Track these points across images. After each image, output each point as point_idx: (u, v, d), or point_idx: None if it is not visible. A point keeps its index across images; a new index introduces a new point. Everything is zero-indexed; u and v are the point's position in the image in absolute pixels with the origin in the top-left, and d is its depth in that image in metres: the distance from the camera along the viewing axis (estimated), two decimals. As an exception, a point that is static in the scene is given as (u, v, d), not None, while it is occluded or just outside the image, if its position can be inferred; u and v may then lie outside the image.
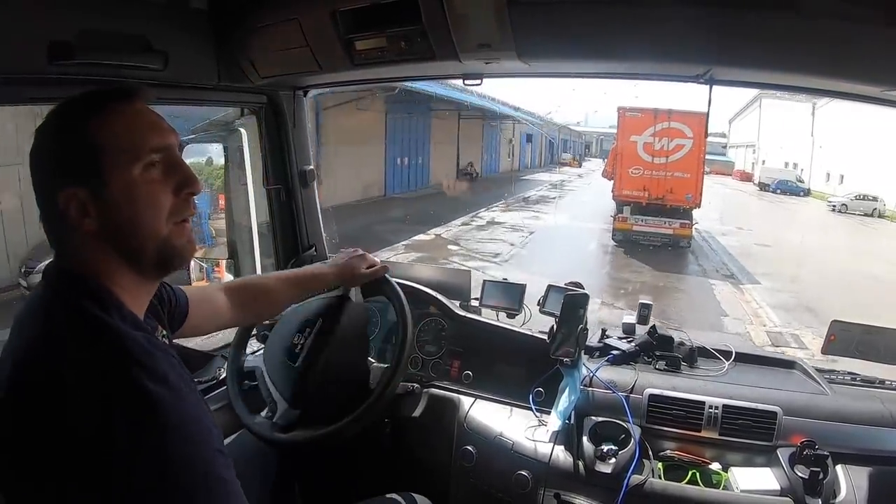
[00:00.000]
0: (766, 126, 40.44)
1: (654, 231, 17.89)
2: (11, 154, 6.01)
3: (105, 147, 1.09)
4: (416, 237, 18.22)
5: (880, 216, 27.78)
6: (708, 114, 2.40)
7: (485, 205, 25.69)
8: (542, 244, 18.48)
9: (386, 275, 2.16)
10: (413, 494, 2.10)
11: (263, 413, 2.04)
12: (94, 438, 0.92)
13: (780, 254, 18.73)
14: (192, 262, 2.78)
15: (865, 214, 27.93)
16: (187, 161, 1.22)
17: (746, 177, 41.12)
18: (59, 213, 1.08)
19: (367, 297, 2.64)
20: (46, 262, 1.16)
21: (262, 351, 2.21)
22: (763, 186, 36.50)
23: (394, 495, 2.07)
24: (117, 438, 0.92)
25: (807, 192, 35.11)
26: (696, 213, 18.61)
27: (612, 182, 19.50)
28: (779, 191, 35.08)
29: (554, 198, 31.32)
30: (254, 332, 2.33)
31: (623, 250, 17.57)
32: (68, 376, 0.96)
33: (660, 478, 2.04)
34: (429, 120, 28.64)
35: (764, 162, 39.93)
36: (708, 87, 2.00)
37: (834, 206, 29.47)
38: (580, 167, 48.69)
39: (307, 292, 2.09)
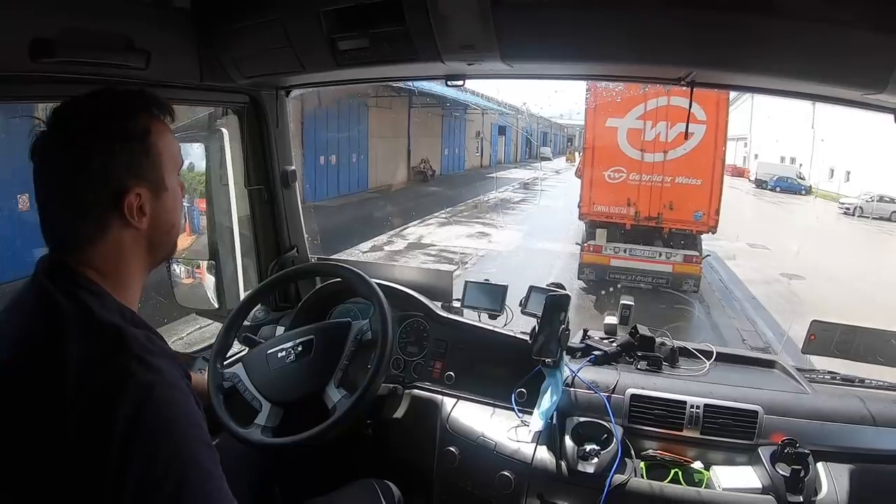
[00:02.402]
0: (760, 118, 35.64)
1: (643, 267, 12.01)
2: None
3: (163, 153, 1.21)
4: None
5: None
6: (689, 115, 2.42)
7: (424, 214, 20.65)
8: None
9: (366, 276, 2.17)
10: (386, 482, 2.13)
11: (248, 419, 2.03)
12: (91, 426, 0.97)
13: (823, 293, 12.86)
14: (179, 266, 2.78)
15: (883, 218, 24.58)
16: None
17: (739, 172, 36.17)
18: (103, 210, 1.14)
19: (347, 299, 2.65)
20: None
21: (241, 353, 2.21)
22: (760, 184, 33.29)
23: (367, 480, 2.12)
24: (114, 427, 0.96)
25: (808, 191, 32.37)
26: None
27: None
28: (778, 189, 32.03)
29: (518, 201, 26.32)
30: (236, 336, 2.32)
31: (592, 298, 11.82)
32: (70, 368, 1.00)
33: (642, 477, 2.05)
34: (365, 110, 24.08)
35: (757, 156, 37.79)
36: (689, 89, 2.02)
37: (847, 208, 26.23)
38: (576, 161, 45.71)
39: None
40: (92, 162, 1.13)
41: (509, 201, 26.08)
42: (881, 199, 24.59)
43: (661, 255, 12.00)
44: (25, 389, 1.01)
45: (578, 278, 12.15)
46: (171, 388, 1.04)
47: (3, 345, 1.07)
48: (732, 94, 11.95)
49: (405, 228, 18.55)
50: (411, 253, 15.72)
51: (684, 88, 2.02)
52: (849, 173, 30.10)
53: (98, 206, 1.14)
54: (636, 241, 12.21)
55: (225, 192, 2.76)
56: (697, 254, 11.95)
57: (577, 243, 12.85)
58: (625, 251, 12.11)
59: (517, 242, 17.11)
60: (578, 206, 12.60)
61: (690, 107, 2.63)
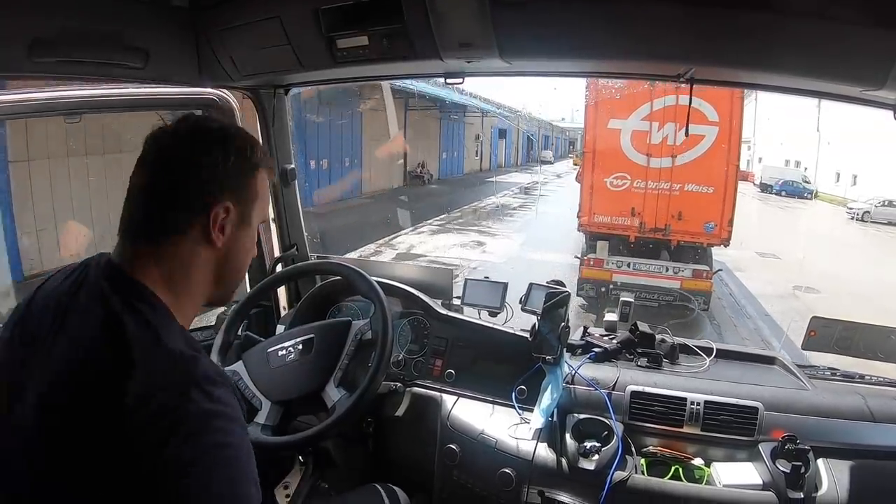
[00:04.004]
0: (764, 120, 33.47)
1: (649, 283, 10.81)
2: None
3: (260, 192, 1.27)
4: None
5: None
6: (688, 114, 2.42)
7: (418, 221, 19.66)
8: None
9: (366, 274, 2.17)
10: (392, 486, 2.11)
11: (248, 417, 2.03)
12: (147, 447, 0.95)
13: (845, 309, 9.31)
14: None
15: (892, 223, 24.22)
16: None
17: (743, 176, 31.33)
18: (193, 209, 1.17)
19: (347, 297, 2.65)
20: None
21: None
22: (765, 187, 32.65)
23: (373, 485, 2.10)
24: (169, 450, 0.95)
25: (813, 194, 31.87)
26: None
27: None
28: (783, 193, 31.42)
29: (516, 207, 25.05)
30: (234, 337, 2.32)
31: (592, 317, 10.54)
32: (131, 385, 0.98)
33: (643, 474, 2.05)
34: (358, 112, 23.13)
35: (761, 160, 36.85)
36: (689, 86, 2.01)
37: (854, 213, 25.79)
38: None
39: None
40: (204, 163, 1.17)
41: (508, 207, 25.26)
42: (890, 203, 24.25)
43: (668, 269, 10.85)
44: (85, 397, 0.99)
45: (577, 294, 10.85)
46: (229, 419, 1.04)
47: (62, 343, 1.07)
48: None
49: (396, 237, 17.62)
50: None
51: (683, 85, 2.02)
52: (855, 177, 29.70)
53: (191, 202, 1.16)
54: (641, 254, 11.13)
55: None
56: (708, 268, 10.85)
57: (577, 256, 11.73)
58: (628, 265, 10.96)
59: (513, 252, 16.11)
60: (578, 216, 11.50)
61: (690, 103, 2.58)
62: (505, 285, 2.62)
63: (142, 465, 0.94)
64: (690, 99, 2.18)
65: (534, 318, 2.31)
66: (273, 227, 2.83)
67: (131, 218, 1.17)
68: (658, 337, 2.50)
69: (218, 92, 2.53)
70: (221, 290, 1.27)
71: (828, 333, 2.42)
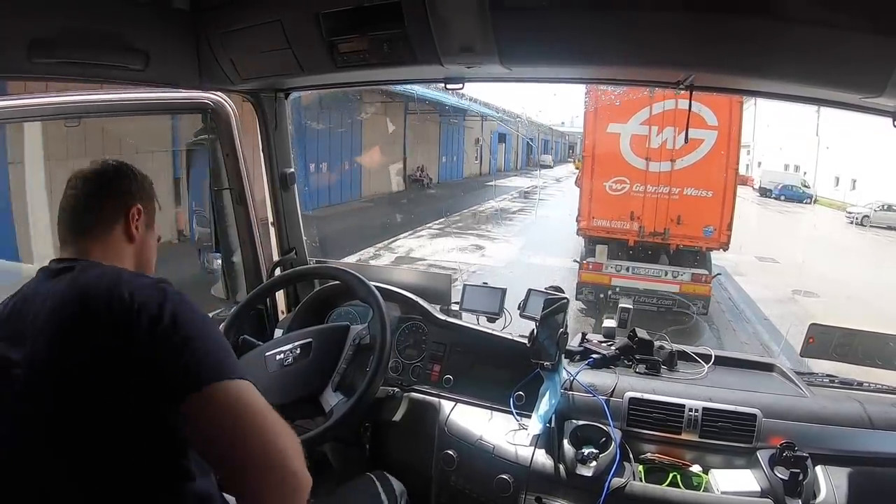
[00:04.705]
0: (763, 124, 32.96)
1: (648, 287, 10.78)
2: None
3: (154, 211, 1.63)
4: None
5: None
6: (688, 120, 2.42)
7: (417, 224, 19.43)
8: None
9: (365, 279, 2.17)
10: (385, 474, 2.15)
11: None
12: (150, 319, 1.24)
13: (844, 313, 11.50)
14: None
15: (892, 228, 23.75)
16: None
17: (743, 180, 31.65)
18: (115, 215, 1.53)
19: (345, 302, 2.65)
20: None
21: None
22: (764, 192, 31.93)
23: (368, 474, 2.14)
24: (165, 316, 1.24)
25: (813, 199, 30.49)
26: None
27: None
28: (783, 197, 30.71)
29: (515, 211, 24.89)
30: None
31: (591, 321, 10.57)
32: (136, 293, 1.27)
33: (641, 480, 2.05)
34: (357, 116, 22.44)
35: (760, 164, 36.13)
36: (688, 93, 2.02)
37: (853, 218, 25.25)
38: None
39: None
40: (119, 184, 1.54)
41: (507, 211, 24.95)
42: (889, 207, 24.08)
43: (666, 273, 10.80)
44: (100, 317, 1.24)
45: (576, 298, 10.83)
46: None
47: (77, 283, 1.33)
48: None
49: (395, 240, 17.45)
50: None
51: (683, 92, 2.02)
52: (854, 181, 29.45)
53: (115, 211, 1.51)
54: (640, 258, 11.09)
55: (226, 194, 2.76)
56: (707, 272, 10.82)
57: (576, 260, 11.67)
58: (627, 269, 10.93)
59: (512, 257, 16.00)
60: (577, 220, 11.44)
61: (690, 109, 2.58)
62: (503, 291, 2.61)
63: (147, 327, 1.23)
64: (690, 106, 2.19)
65: (532, 324, 2.31)
66: (272, 230, 2.83)
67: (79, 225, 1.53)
68: (656, 343, 2.50)
69: (215, 97, 2.54)
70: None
71: (826, 340, 2.42)
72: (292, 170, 2.79)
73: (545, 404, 2.17)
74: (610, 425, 2.14)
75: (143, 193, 1.58)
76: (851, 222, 24.88)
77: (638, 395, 2.22)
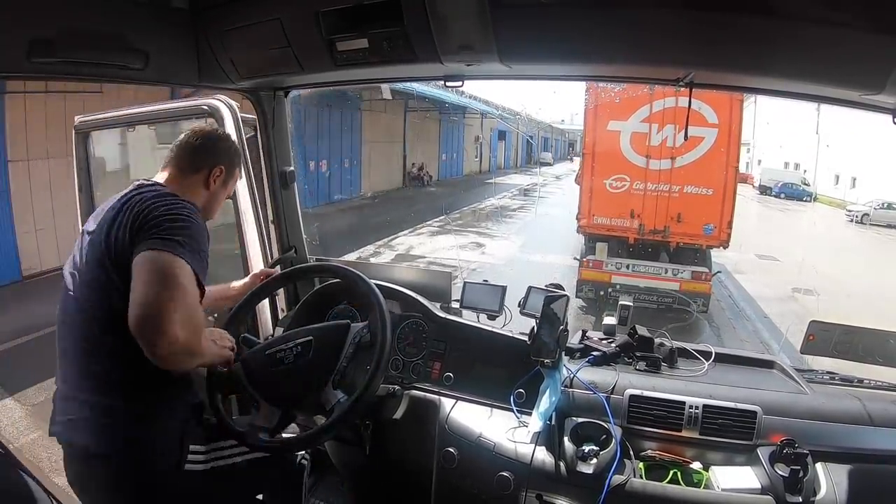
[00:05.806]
0: (763, 122, 33.24)
1: (648, 285, 10.78)
2: None
3: (237, 173, 2.26)
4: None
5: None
6: (687, 118, 2.41)
7: (417, 222, 19.34)
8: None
9: (365, 277, 2.17)
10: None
11: (247, 418, 2.04)
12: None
13: (844, 311, 11.70)
14: None
15: (892, 226, 23.94)
16: None
17: (743, 178, 30.98)
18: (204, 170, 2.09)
19: (346, 300, 2.65)
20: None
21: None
22: (764, 190, 32.40)
23: None
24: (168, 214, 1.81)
25: (813, 197, 31.08)
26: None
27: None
28: (783, 195, 31.01)
29: (515, 209, 24.76)
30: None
31: (591, 318, 10.70)
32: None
33: (641, 478, 2.05)
34: (358, 114, 22.82)
35: (760, 162, 36.58)
36: (688, 90, 2.02)
37: (853, 216, 25.37)
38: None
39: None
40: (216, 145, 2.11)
41: (507, 208, 24.82)
42: (889, 205, 24.10)
43: (667, 271, 10.75)
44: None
45: (577, 296, 10.84)
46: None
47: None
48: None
49: (395, 238, 17.31)
50: (402, 264, 11.98)
51: (683, 89, 2.02)
52: (854, 179, 29.48)
53: (204, 163, 2.06)
54: (640, 256, 11.04)
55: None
56: (707, 270, 10.77)
57: (576, 258, 11.56)
58: (627, 267, 10.87)
59: (512, 254, 15.92)
60: (577, 218, 11.36)
61: (690, 107, 2.58)
62: (504, 288, 2.61)
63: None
64: (690, 102, 2.18)
65: (532, 322, 2.31)
66: (272, 228, 2.83)
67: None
68: (657, 341, 2.50)
69: (213, 102, 2.54)
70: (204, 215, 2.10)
71: (826, 337, 2.42)
72: (292, 168, 2.79)
73: (545, 402, 2.17)
74: (610, 422, 2.14)
75: (230, 160, 2.13)
76: (851, 220, 24.96)
77: (638, 392, 2.22)
